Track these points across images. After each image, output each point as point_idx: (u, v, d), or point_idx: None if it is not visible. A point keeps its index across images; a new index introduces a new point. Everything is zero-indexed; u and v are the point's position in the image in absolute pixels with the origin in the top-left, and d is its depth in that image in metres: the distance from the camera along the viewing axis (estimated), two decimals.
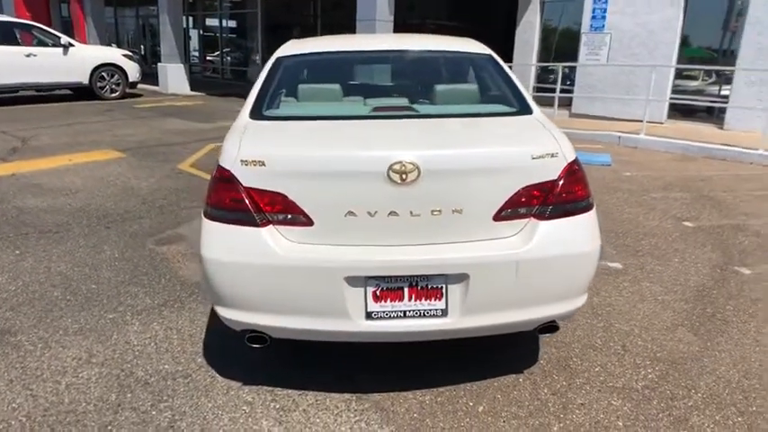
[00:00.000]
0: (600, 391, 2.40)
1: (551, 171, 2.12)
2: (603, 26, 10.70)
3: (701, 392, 2.41)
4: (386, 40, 3.22)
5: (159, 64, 14.59)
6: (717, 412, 2.28)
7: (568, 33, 11.62)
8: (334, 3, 16.25)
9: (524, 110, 2.59)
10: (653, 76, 8.71)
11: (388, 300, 2.05)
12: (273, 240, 2.04)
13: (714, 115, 10.01)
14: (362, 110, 2.59)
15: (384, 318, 2.06)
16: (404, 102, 2.78)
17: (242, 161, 2.06)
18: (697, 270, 3.72)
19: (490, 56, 3.07)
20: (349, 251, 2.04)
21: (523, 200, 2.10)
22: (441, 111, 2.59)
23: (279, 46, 3.15)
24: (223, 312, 2.16)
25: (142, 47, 22.18)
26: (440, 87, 2.76)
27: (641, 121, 8.70)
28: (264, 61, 16.06)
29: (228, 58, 19.19)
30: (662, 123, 9.79)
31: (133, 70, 12.65)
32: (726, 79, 10.22)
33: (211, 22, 19.80)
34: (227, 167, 2.09)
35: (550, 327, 2.24)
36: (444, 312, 2.07)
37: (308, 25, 16.60)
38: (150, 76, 15.17)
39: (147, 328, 2.89)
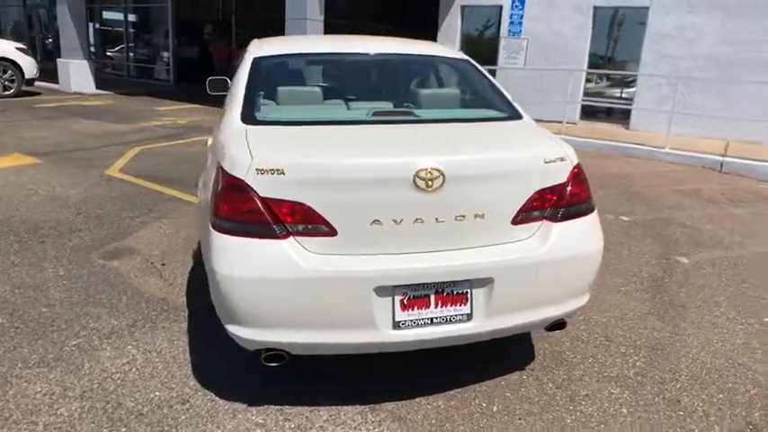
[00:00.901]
0: (598, 381, 2.54)
1: (561, 174, 2.20)
2: (521, 32, 11.28)
3: (684, 375, 2.62)
4: (360, 43, 3.17)
5: (59, 60, 13.31)
6: (701, 392, 2.50)
7: (488, 38, 12.12)
8: (252, 0, 15.76)
9: (515, 115, 2.67)
10: (570, 79, 9.32)
11: (415, 308, 2.03)
12: (296, 253, 1.94)
13: (614, 116, 10.95)
14: (361, 114, 2.54)
15: (412, 326, 2.03)
16: (399, 106, 2.75)
17: (258, 170, 1.94)
18: (646, 261, 4.04)
19: (468, 60, 3.13)
20: (377, 261, 1.99)
21: (537, 203, 2.16)
22: (438, 115, 2.60)
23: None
24: (238, 332, 2.03)
25: (31, 40, 20.10)
26: (431, 92, 2.78)
27: (558, 121, 9.26)
28: (177, 60, 15.10)
29: (132, 54, 17.90)
30: (575, 124, 10.50)
31: (30, 66, 11.46)
32: (625, 83, 11.27)
33: (113, 15, 18.37)
34: (240, 176, 1.96)
35: (559, 324, 2.33)
36: (469, 317, 2.08)
37: (224, 22, 15.95)
38: (44, 72, 13.79)
39: (122, 353, 2.63)
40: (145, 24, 17.25)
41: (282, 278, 1.93)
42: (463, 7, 12.12)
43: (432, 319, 2.05)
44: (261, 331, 2.00)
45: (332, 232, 1.98)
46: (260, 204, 1.94)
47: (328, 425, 2.21)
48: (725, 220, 5.20)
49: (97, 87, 13.31)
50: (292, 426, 2.20)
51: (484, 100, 2.84)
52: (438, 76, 3.23)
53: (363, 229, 1.98)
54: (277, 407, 2.30)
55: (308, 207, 1.95)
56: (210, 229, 2.02)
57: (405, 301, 2.01)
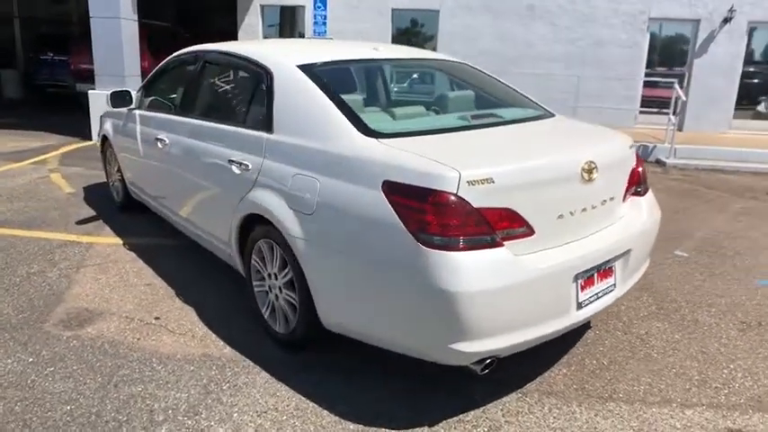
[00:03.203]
0: (644, 321, 3.13)
1: (633, 158, 2.67)
2: (326, 31, 11.62)
3: (684, 302, 3.40)
4: (384, 49, 3.09)
5: None
6: (701, 309, 3.30)
7: (294, 37, 12.16)
8: None
9: (549, 111, 3.04)
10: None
11: (588, 287, 2.27)
12: (514, 257, 2.00)
13: None
14: (454, 119, 2.60)
15: (588, 304, 2.27)
16: (472, 109, 2.83)
17: (469, 182, 1.92)
18: None
19: (470, 64, 3.39)
20: (570, 250, 2.17)
21: (629, 183, 2.60)
22: (513, 116, 2.78)
23: None
24: (463, 348, 1.97)
25: None
26: (484, 94, 2.95)
27: None
28: None
29: None
30: None
31: None
32: None
33: None
34: (452, 190, 1.91)
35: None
36: (615, 285, 2.41)
37: None
38: None
39: (238, 424, 2.21)
40: None
41: (509, 283, 1.96)
42: (263, 6, 11.91)
43: (597, 294, 2.32)
44: (483, 341, 1.99)
45: (530, 232, 2.07)
46: (476, 215, 1.93)
47: (509, 416, 2.29)
48: None
49: None
50: (485, 429, 2.22)
51: (520, 100, 3.10)
52: (467, 79, 3.36)
53: (553, 224, 2.13)
54: (455, 418, 2.27)
55: (514, 211, 2.02)
56: (419, 246, 1.90)
57: (582, 282, 2.24)
